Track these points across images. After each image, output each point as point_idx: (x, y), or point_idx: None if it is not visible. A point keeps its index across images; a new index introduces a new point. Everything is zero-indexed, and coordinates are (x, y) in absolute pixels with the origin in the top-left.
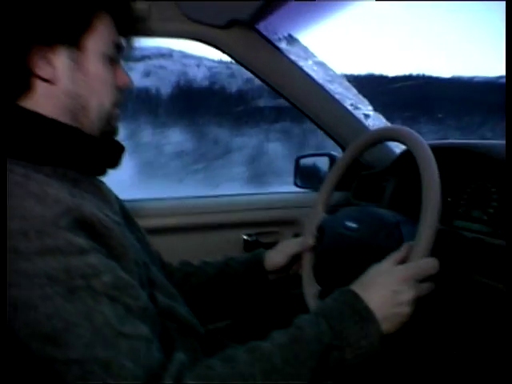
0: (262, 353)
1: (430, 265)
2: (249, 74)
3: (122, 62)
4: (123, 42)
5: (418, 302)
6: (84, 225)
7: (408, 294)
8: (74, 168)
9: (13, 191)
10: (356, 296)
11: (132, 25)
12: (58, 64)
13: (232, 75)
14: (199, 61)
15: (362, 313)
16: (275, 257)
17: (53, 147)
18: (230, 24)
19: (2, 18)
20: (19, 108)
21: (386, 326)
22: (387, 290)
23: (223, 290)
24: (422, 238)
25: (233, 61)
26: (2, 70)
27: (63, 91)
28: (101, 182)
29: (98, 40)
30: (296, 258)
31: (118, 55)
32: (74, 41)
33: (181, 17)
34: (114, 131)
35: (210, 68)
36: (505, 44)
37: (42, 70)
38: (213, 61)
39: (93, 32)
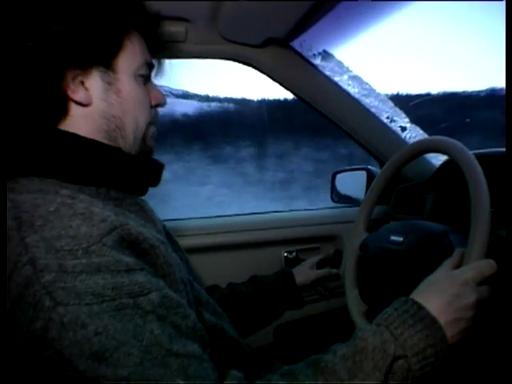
0: (325, 365)
1: (488, 265)
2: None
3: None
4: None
5: (480, 307)
6: (130, 243)
7: (470, 297)
8: (116, 187)
9: (59, 211)
10: (417, 304)
11: (164, 43)
12: (92, 86)
13: None
14: None
15: (425, 320)
16: (300, 277)
17: (95, 168)
18: (266, 43)
19: (36, 45)
20: (59, 131)
21: (450, 333)
22: (448, 294)
23: (261, 305)
24: (476, 241)
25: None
26: (38, 95)
27: (98, 113)
28: (143, 200)
29: (129, 60)
30: (318, 281)
31: (149, 74)
32: (107, 62)
33: (217, 38)
34: (150, 150)
35: None
36: (505, 47)
37: (76, 93)
38: None
39: (124, 52)
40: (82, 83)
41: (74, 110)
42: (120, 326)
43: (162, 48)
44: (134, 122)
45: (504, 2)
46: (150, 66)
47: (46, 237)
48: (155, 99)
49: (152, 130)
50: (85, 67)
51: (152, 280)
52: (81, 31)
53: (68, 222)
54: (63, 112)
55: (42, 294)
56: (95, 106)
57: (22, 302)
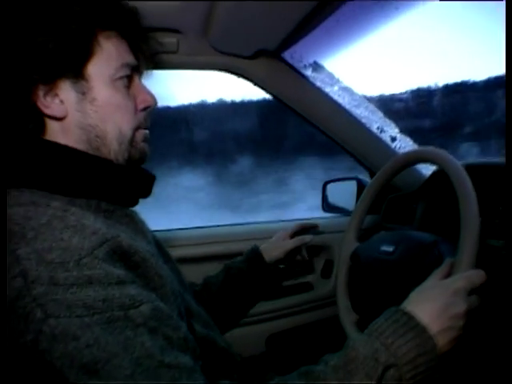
0: (317, 376)
1: (477, 275)
2: None
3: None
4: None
5: (470, 316)
6: (121, 256)
7: (461, 306)
8: (107, 199)
9: (51, 223)
10: (408, 313)
11: (148, 41)
12: (66, 98)
13: None
14: None
15: (416, 329)
16: (273, 251)
17: (85, 179)
18: (257, 54)
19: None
20: (48, 142)
21: (441, 342)
22: (439, 303)
23: (234, 291)
24: (465, 251)
25: None
26: (12, 112)
27: (74, 124)
28: (133, 212)
29: (103, 65)
30: (294, 252)
31: (134, 75)
32: (76, 72)
33: (209, 49)
34: (142, 154)
35: None
36: (505, 43)
37: (49, 107)
38: None
39: (96, 58)
40: (57, 96)
41: (51, 124)
42: (111, 339)
43: (150, 53)
44: (116, 129)
45: (504, 2)
46: (132, 68)
47: (37, 249)
48: (142, 102)
49: (141, 133)
50: (51, 81)
51: (143, 292)
52: (39, 45)
53: (59, 235)
54: (40, 127)
55: (33, 307)
56: (71, 117)
57: (13, 314)
